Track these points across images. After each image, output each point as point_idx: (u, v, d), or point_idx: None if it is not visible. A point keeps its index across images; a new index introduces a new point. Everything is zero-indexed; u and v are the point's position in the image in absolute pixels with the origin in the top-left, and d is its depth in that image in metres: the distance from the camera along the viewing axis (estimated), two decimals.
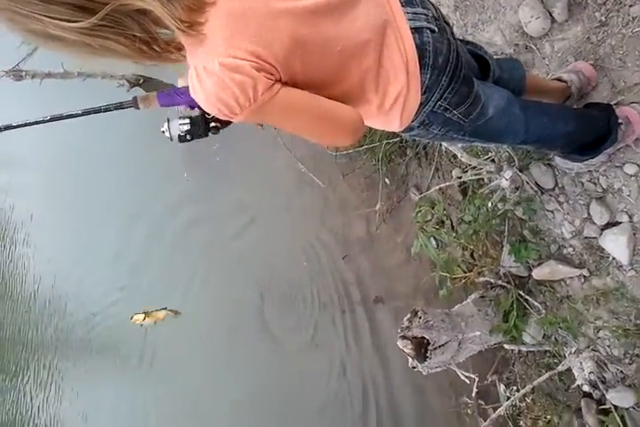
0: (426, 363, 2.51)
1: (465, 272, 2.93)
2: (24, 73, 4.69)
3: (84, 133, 5.50)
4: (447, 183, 2.93)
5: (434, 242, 3.20)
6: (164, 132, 1.79)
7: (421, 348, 2.53)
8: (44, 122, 1.85)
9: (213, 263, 4.55)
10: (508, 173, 2.51)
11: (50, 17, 1.14)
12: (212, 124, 1.80)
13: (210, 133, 1.84)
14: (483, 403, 3.01)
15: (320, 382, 3.71)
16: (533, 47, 2.62)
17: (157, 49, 1.28)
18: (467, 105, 1.64)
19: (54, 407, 6.71)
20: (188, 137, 1.78)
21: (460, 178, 3.08)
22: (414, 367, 2.57)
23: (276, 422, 3.97)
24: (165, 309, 4.36)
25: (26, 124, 1.88)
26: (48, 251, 6.71)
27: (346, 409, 3.52)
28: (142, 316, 4.33)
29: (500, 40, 2.77)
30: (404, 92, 1.51)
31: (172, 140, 1.80)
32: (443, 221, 3.16)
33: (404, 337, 2.51)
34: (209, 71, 1.25)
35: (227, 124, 1.88)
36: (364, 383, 3.51)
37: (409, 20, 1.52)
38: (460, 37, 2.40)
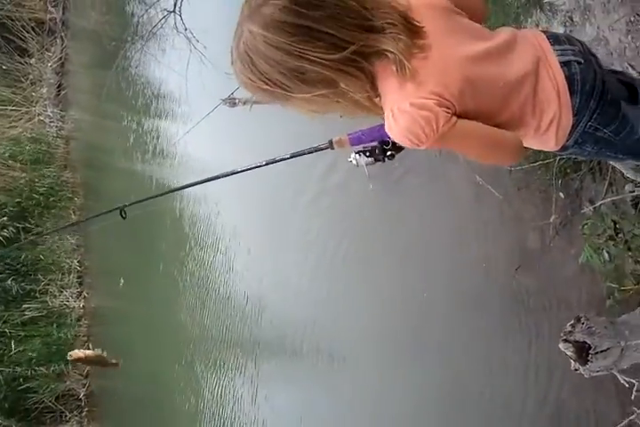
0: (587, 366, 2.67)
1: (635, 284, 3.02)
2: (237, 100, 5.36)
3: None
4: (618, 196, 3.04)
5: (606, 255, 3.31)
6: (351, 161, 2.20)
7: (583, 352, 2.69)
8: (260, 166, 2.30)
9: (394, 273, 4.87)
10: None
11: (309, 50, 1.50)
12: (389, 152, 2.18)
13: (386, 159, 2.23)
14: None
15: (482, 378, 3.90)
16: None
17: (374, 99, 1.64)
18: (615, 124, 1.84)
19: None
20: (372, 162, 2.17)
21: (633, 192, 3.18)
22: (576, 370, 2.73)
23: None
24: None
25: (247, 169, 2.33)
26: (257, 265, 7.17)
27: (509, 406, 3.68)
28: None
29: None
30: (557, 116, 1.77)
31: (357, 166, 2.21)
32: (616, 234, 3.26)
33: (565, 340, 2.69)
34: (402, 110, 1.58)
35: (400, 150, 2.24)
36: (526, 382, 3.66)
37: (558, 55, 1.80)
38: (610, 69, 2.55)
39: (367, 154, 2.19)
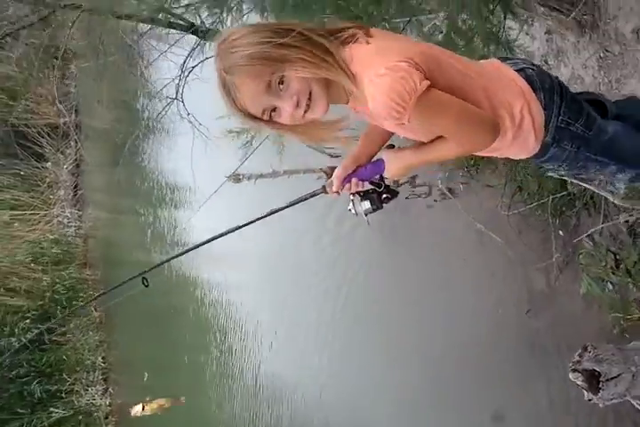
0: (599, 395, 2.62)
1: (639, 310, 3.01)
2: (241, 176, 5.55)
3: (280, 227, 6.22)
4: (610, 223, 3.07)
5: (610, 286, 3.31)
6: (350, 210, 2.24)
7: (594, 380, 2.65)
8: (262, 218, 2.37)
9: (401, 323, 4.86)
10: None
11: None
12: (384, 195, 2.22)
13: (384, 205, 2.27)
14: None
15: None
16: None
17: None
18: (583, 119, 1.95)
19: None
20: (370, 210, 2.21)
21: (627, 221, 3.22)
22: (590, 400, 2.68)
23: None
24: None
25: (250, 223, 2.41)
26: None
27: None
28: (140, 407, 4.58)
29: None
30: (526, 106, 1.87)
31: (357, 215, 2.24)
32: (617, 266, 3.27)
33: (574, 370, 2.66)
34: (378, 75, 1.65)
35: (395, 195, 2.29)
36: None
37: (511, 66, 1.95)
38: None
39: (362, 198, 2.21)
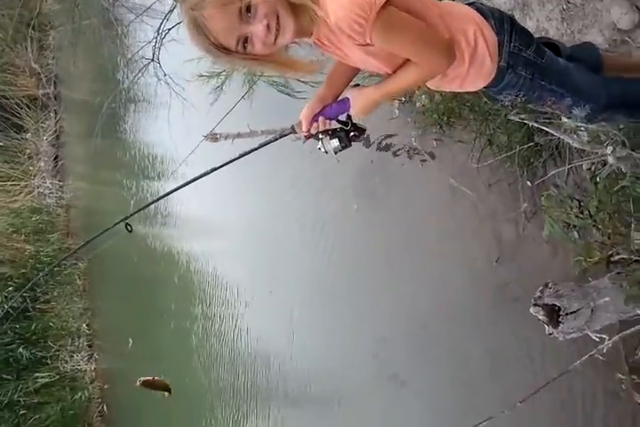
0: (559, 328, 2.78)
1: (600, 252, 3.15)
2: (219, 135, 5.60)
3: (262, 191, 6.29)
4: (570, 166, 3.20)
5: (575, 234, 3.45)
6: (319, 149, 2.32)
7: (554, 315, 2.80)
8: (235, 160, 2.44)
9: (383, 282, 4.99)
10: (615, 151, 2.78)
11: None
12: (352, 133, 2.30)
13: (352, 142, 2.35)
14: (635, 377, 3.14)
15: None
16: (627, 39, 2.91)
17: None
18: (534, 47, 2.07)
19: None
20: (339, 148, 2.29)
21: (590, 169, 3.36)
22: (551, 334, 2.84)
23: None
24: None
25: (224, 165, 2.48)
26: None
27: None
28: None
29: (601, 39, 3.09)
30: (479, 30, 2.00)
31: (327, 153, 2.32)
32: (581, 212, 3.41)
33: (536, 305, 2.81)
34: None
35: (362, 132, 2.37)
36: None
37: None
38: None
39: (330, 137, 2.28)
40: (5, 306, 10.69)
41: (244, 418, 7.40)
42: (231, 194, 7.56)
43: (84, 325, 11.64)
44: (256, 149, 2.44)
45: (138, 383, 4.95)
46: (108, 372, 11.06)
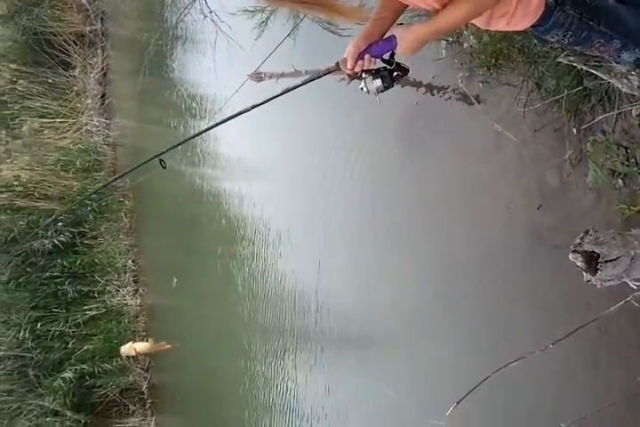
0: (597, 275, 2.75)
1: None
2: (263, 75, 5.57)
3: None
4: (618, 111, 3.11)
5: (620, 182, 3.39)
6: (362, 88, 2.28)
7: (592, 262, 2.77)
8: (277, 97, 2.42)
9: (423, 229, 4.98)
10: None
11: None
12: (395, 73, 2.26)
13: (394, 84, 2.30)
14: None
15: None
16: None
17: None
18: None
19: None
20: (382, 88, 2.25)
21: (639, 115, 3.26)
22: (589, 281, 2.82)
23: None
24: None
25: (265, 101, 2.46)
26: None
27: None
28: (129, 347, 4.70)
29: None
30: None
31: (369, 93, 2.29)
32: (627, 159, 3.33)
33: (575, 251, 2.78)
34: None
35: (406, 73, 2.32)
36: None
37: None
38: None
39: (373, 76, 2.25)
40: (55, 240, 11.08)
41: (283, 356, 7.55)
42: (273, 135, 7.56)
43: (130, 261, 11.93)
44: (299, 86, 2.42)
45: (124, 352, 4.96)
46: (152, 307, 11.39)
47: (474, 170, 4.50)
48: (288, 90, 2.45)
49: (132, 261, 11.98)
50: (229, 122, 2.60)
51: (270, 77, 5.40)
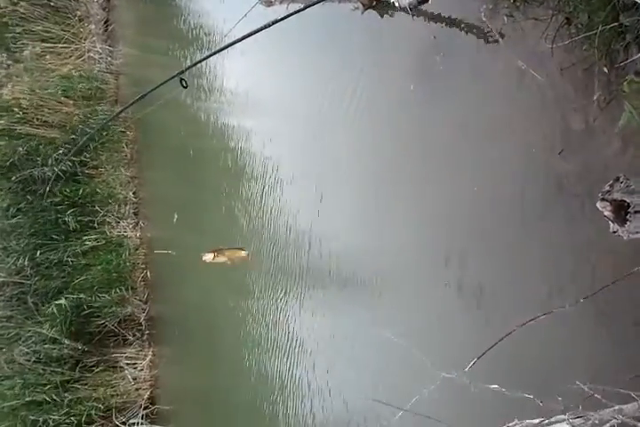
0: (625, 227, 2.58)
1: None
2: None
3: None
4: None
5: None
6: (393, 3, 2.05)
7: (621, 211, 2.60)
8: (299, 11, 2.21)
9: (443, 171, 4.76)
10: None
11: None
12: None
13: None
14: None
15: None
16: None
17: None
18: None
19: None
20: (415, 2, 2.02)
21: None
22: (615, 232, 2.65)
23: None
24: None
25: (287, 16, 2.25)
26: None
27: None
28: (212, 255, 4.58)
29: None
30: None
31: (399, 8, 2.06)
32: None
33: (603, 199, 2.60)
34: None
35: None
36: None
37: None
38: None
39: None
40: (55, 169, 10.89)
41: (285, 296, 7.49)
42: (281, 68, 7.25)
43: (131, 193, 11.77)
44: (314, 4, 2.22)
45: (207, 259, 4.86)
46: (152, 240, 11.30)
47: (494, 110, 4.26)
48: (304, 8, 2.25)
49: (133, 193, 11.82)
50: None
51: (281, 2, 5.14)
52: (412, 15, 2.10)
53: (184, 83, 2.69)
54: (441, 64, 4.66)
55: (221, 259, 4.92)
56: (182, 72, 2.70)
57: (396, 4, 1.99)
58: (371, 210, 5.59)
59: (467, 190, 4.38)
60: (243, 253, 5.00)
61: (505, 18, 4.17)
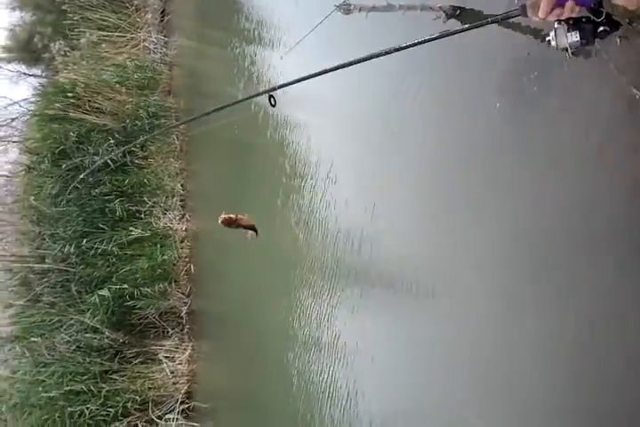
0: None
1: None
2: (352, 7, 5.13)
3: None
4: None
5: None
6: (549, 41, 1.82)
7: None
8: (429, 41, 2.05)
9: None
10: None
11: None
12: (601, 27, 1.78)
13: (596, 40, 1.82)
14: None
15: None
16: None
17: None
18: None
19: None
20: (578, 43, 1.76)
21: None
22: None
23: None
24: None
25: (413, 45, 2.09)
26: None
27: None
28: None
29: None
30: None
31: (557, 48, 1.82)
32: None
33: None
34: None
35: (616, 28, 1.83)
36: None
37: None
38: None
39: (570, 28, 1.79)
40: (106, 158, 10.90)
41: (330, 294, 7.40)
42: (349, 71, 7.09)
43: (179, 185, 11.78)
44: (461, 31, 2.06)
45: (220, 221, 4.81)
46: (198, 234, 11.26)
47: (593, 141, 4.04)
48: (448, 34, 2.10)
49: (181, 186, 11.83)
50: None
51: (360, 10, 4.96)
52: (569, 56, 1.91)
53: (272, 101, 2.55)
54: (534, 82, 4.47)
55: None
56: (274, 89, 2.56)
57: (552, 43, 1.79)
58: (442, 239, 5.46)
59: (546, 226, 4.16)
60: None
61: (618, 40, 3.98)
